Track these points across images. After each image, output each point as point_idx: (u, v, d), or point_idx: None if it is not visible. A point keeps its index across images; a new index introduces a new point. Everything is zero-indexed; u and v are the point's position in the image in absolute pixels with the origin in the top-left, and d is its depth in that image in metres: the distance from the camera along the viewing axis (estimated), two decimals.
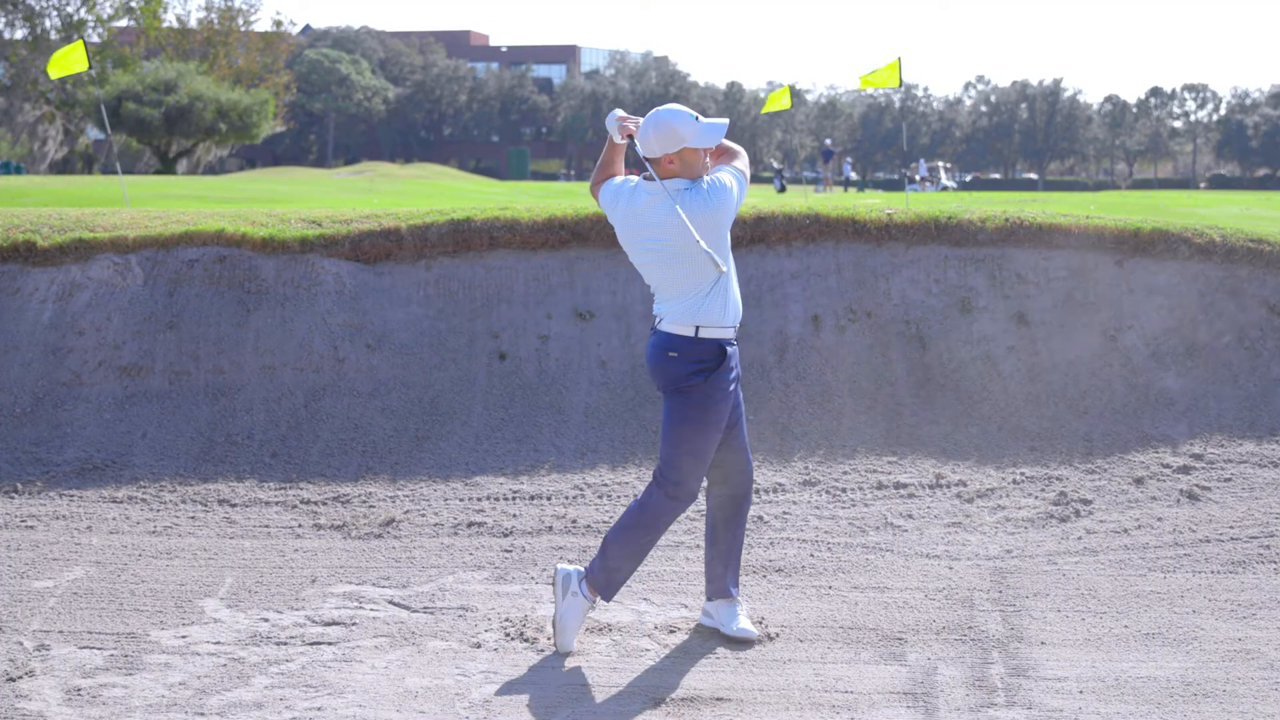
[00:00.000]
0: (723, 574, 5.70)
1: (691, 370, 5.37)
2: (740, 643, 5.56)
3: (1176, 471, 7.82)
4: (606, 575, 5.52)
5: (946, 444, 8.24)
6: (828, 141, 50.37)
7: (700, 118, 5.38)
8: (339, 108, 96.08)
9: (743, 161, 5.55)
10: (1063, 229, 9.42)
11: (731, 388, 5.47)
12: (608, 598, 5.57)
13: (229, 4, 61.38)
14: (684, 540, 6.96)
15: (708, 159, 5.43)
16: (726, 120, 5.54)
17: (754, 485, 5.79)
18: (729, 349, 5.42)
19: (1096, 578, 6.43)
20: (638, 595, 6.17)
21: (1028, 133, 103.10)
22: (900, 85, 11.82)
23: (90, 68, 11.82)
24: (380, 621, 5.85)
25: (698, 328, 5.36)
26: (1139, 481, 7.72)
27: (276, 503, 7.68)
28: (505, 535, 7.16)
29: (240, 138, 54.46)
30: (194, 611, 5.97)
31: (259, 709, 4.90)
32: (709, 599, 5.74)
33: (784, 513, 7.41)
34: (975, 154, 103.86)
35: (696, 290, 5.35)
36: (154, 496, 7.76)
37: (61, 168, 56.30)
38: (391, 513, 7.45)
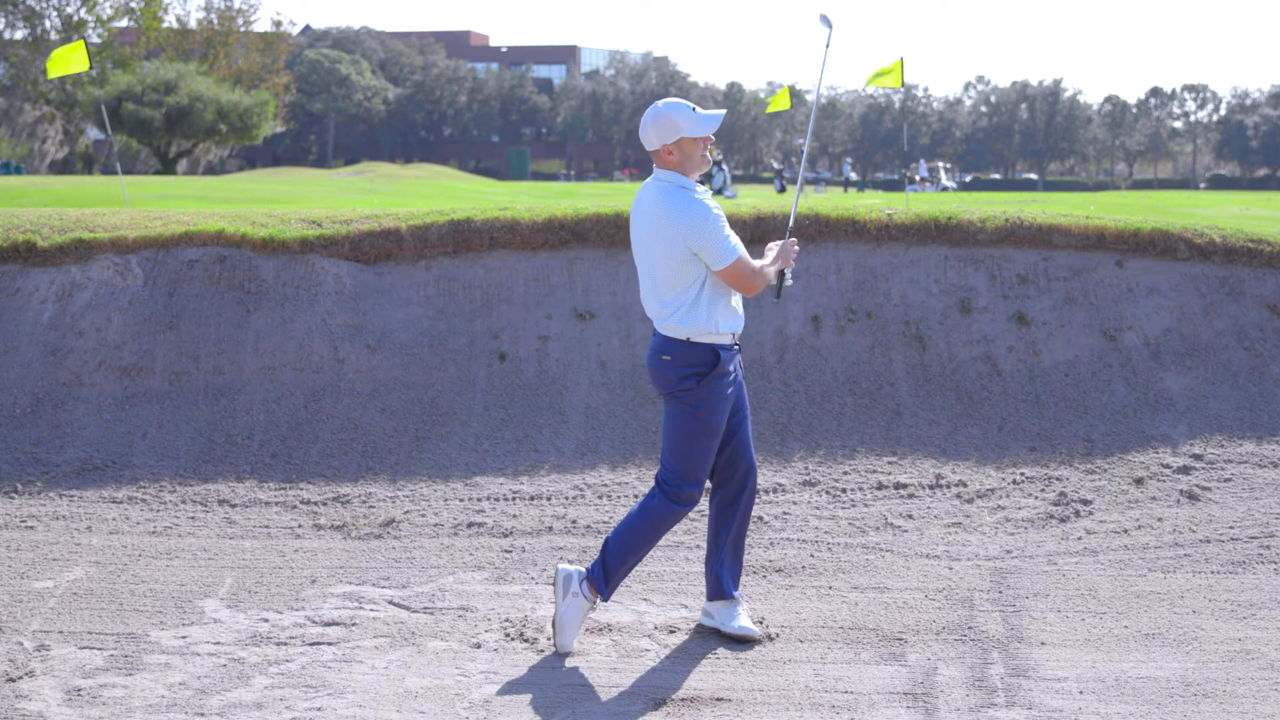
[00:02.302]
0: (724, 575, 5.70)
1: (683, 374, 5.39)
2: (741, 641, 5.56)
3: (1176, 471, 7.82)
4: (606, 577, 5.53)
5: (946, 444, 8.24)
6: (800, 142, 50.15)
7: (698, 109, 5.42)
8: (339, 108, 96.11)
9: (742, 267, 5.37)
10: (1063, 229, 9.42)
11: (728, 392, 5.46)
12: (606, 597, 5.59)
13: (229, 4, 61.40)
14: (684, 540, 6.96)
15: (706, 152, 5.45)
16: (723, 111, 5.57)
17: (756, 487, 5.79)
18: (724, 354, 5.42)
19: (1096, 578, 6.43)
20: (638, 595, 6.17)
21: (1028, 133, 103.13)
22: (902, 85, 11.80)
23: (91, 68, 11.82)
24: (380, 622, 5.85)
25: (689, 333, 5.38)
26: (1139, 481, 7.72)
27: (276, 503, 7.68)
28: (505, 535, 7.16)
29: (240, 138, 54.51)
30: (194, 611, 5.97)
31: (259, 709, 4.90)
32: (709, 599, 5.74)
33: (784, 513, 7.41)
34: (975, 154, 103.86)
35: (684, 295, 5.37)
36: (154, 496, 7.76)
37: (61, 168, 56.30)
38: (391, 513, 7.45)
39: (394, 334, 9.06)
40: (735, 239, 5.39)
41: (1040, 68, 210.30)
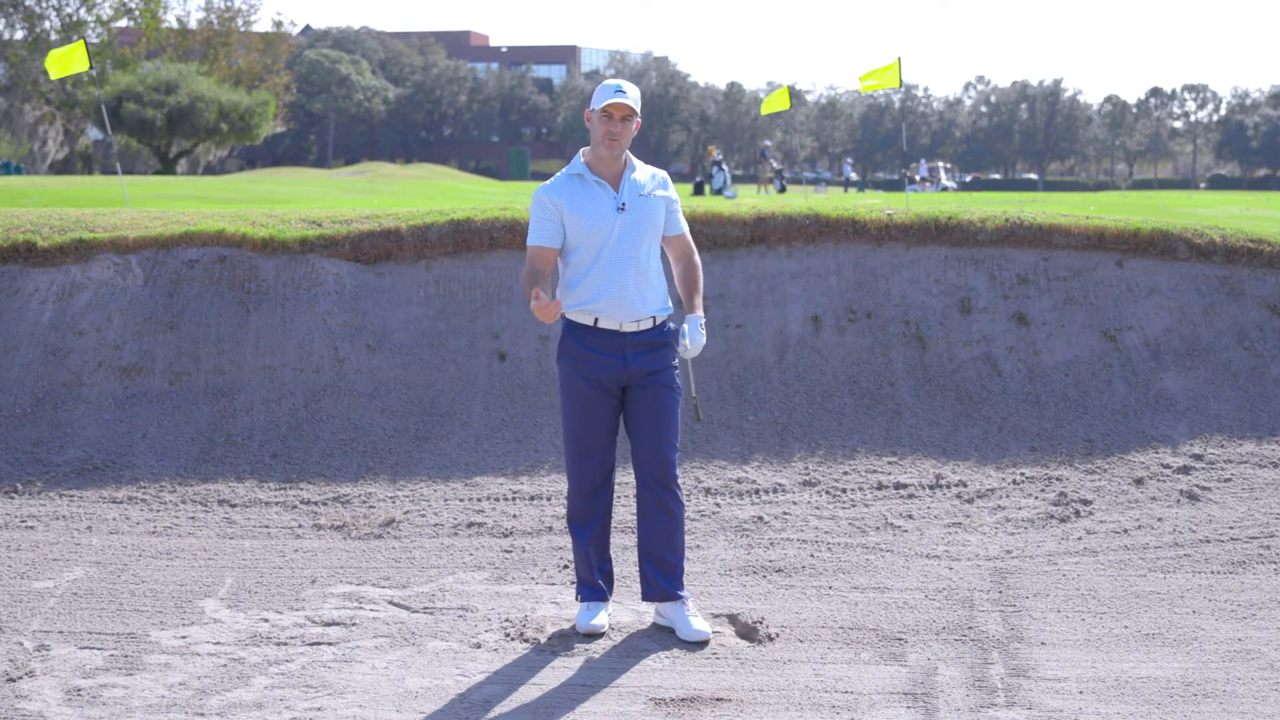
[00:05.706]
0: (653, 573, 5.63)
1: (558, 350, 5.61)
2: (697, 645, 5.52)
3: (1176, 471, 7.82)
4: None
5: (946, 444, 8.24)
6: (766, 143, 49.62)
7: (615, 86, 5.42)
8: (339, 108, 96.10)
9: (528, 251, 5.51)
10: (1063, 229, 9.42)
11: (582, 380, 5.46)
12: (579, 592, 5.77)
13: (229, 4, 61.39)
14: (685, 541, 6.95)
15: (605, 136, 5.42)
16: (619, 89, 5.39)
17: (676, 482, 5.65)
18: (575, 335, 5.48)
19: (1096, 578, 6.43)
20: (637, 595, 6.16)
21: (1028, 133, 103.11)
22: (900, 85, 11.82)
23: (90, 68, 11.81)
24: (380, 622, 5.85)
25: (565, 307, 5.52)
26: (1139, 481, 7.72)
27: (276, 503, 7.68)
28: (505, 535, 7.16)
29: (241, 138, 54.49)
30: (194, 611, 5.97)
31: (259, 709, 4.90)
32: (643, 599, 5.74)
33: (784, 513, 7.41)
34: (975, 154, 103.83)
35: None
36: (154, 496, 7.76)
37: (61, 168, 56.28)
38: (391, 513, 7.46)
39: (394, 334, 9.06)
40: (540, 228, 5.43)
41: (1040, 68, 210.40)
